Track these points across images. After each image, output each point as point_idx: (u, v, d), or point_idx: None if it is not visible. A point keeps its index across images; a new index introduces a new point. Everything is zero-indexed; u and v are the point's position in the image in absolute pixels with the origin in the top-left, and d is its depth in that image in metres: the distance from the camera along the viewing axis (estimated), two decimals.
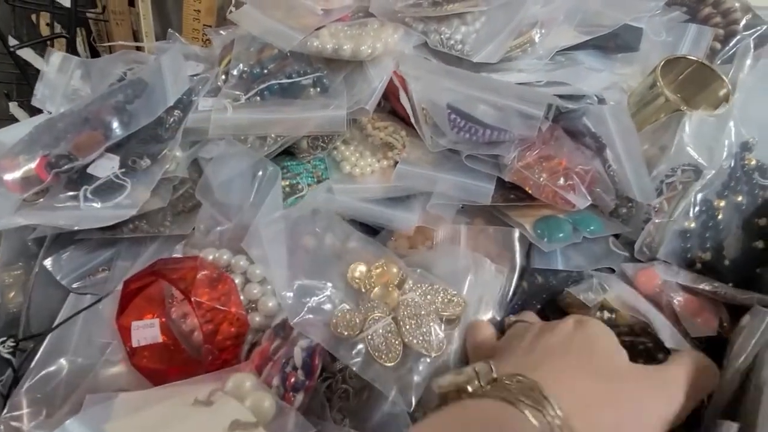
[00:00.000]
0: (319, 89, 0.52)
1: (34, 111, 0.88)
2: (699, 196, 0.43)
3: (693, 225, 0.42)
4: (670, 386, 0.31)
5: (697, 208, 0.43)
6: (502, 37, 0.52)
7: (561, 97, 0.48)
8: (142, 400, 0.32)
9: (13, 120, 0.86)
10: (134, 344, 0.42)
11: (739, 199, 0.42)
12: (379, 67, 0.51)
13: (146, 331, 0.43)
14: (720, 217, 0.42)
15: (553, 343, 0.33)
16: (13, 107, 0.86)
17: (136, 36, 0.91)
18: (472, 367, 0.30)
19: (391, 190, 0.49)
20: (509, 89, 0.47)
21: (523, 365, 0.31)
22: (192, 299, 0.38)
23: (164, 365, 0.42)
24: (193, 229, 0.47)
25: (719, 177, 0.43)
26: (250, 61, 0.54)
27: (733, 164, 0.44)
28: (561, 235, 0.46)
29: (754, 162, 0.43)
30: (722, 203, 0.42)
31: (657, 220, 0.44)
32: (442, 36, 0.53)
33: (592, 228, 0.46)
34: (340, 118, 0.49)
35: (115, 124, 0.47)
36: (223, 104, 0.50)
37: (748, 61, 0.53)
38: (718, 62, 0.59)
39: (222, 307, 0.39)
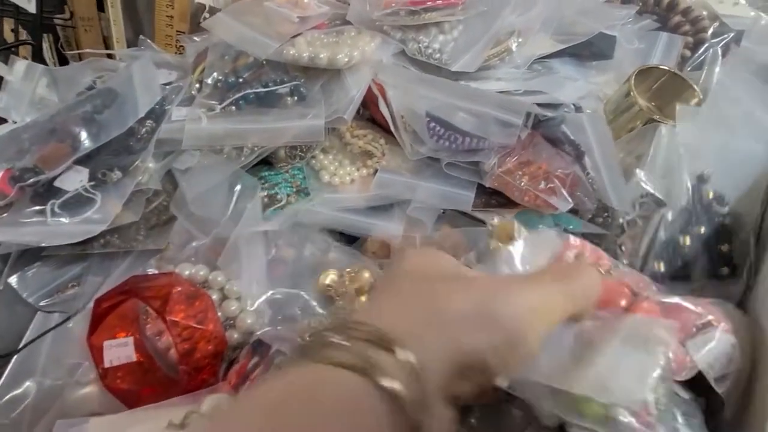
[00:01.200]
0: (296, 98, 0.51)
1: None
2: (662, 236, 0.42)
3: (663, 269, 0.41)
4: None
5: (663, 249, 0.42)
6: (479, 45, 0.52)
7: (539, 105, 0.49)
8: (114, 424, 0.31)
9: None
10: (107, 365, 0.40)
11: (702, 230, 0.41)
12: (356, 75, 0.51)
13: (119, 350, 0.41)
14: (687, 251, 0.41)
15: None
16: None
17: (106, 42, 0.89)
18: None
19: (371, 198, 0.48)
20: (488, 97, 0.48)
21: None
22: (167, 319, 0.36)
23: (138, 386, 0.41)
24: (168, 243, 0.46)
25: (681, 215, 0.42)
26: (224, 70, 0.52)
27: (691, 200, 0.43)
28: (541, 226, 0.46)
29: (711, 194, 0.43)
30: (687, 239, 0.41)
31: (625, 261, 0.42)
32: (420, 45, 0.53)
33: (572, 226, 0.47)
34: (318, 128, 0.48)
35: (84, 136, 0.45)
36: (198, 114, 0.49)
37: (717, 68, 0.54)
38: (688, 69, 0.60)
39: (199, 326, 0.38)
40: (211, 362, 0.38)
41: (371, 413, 0.20)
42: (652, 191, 0.44)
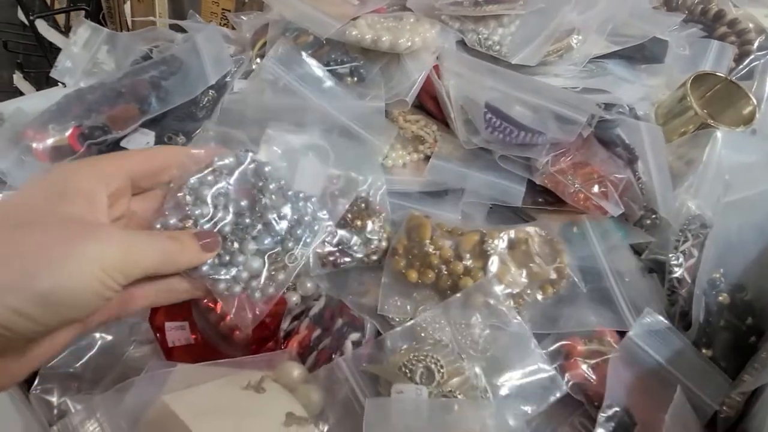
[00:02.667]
0: (355, 78, 0.52)
1: (40, 84, 0.86)
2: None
3: None
4: None
5: None
6: (539, 40, 0.53)
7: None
8: (199, 373, 0.32)
9: (17, 92, 0.83)
10: (170, 344, 0.41)
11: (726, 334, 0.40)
12: (417, 60, 0.52)
13: (179, 333, 0.42)
14: (713, 354, 0.40)
15: None
16: (18, 79, 0.83)
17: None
18: None
19: (426, 184, 0.49)
20: (553, 92, 0.48)
21: None
22: None
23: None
24: None
25: (699, 334, 0.40)
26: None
27: (705, 310, 0.40)
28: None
29: (726, 297, 0.41)
30: (709, 352, 0.40)
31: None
32: (480, 36, 0.54)
33: (619, 234, 0.47)
34: (378, 109, 0.49)
35: (153, 100, 0.46)
36: (261, 87, 0.50)
37: None
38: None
39: None
40: (271, 322, 0.39)
41: None
42: (698, 212, 0.45)
